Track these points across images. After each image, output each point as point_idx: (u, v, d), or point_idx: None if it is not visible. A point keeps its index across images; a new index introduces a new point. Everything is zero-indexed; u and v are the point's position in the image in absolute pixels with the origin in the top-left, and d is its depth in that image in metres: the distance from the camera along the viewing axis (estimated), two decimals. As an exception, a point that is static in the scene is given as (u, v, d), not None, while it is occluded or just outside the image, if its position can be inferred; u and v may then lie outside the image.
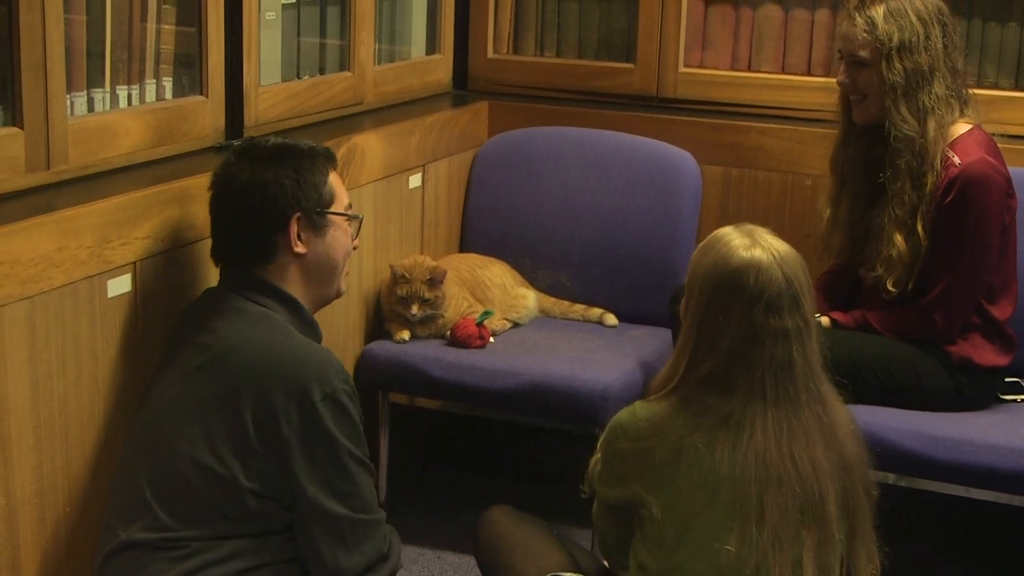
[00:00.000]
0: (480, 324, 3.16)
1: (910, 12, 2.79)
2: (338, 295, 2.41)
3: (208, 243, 2.37)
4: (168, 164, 2.62)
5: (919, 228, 2.80)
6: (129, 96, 2.59)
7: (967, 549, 3.36)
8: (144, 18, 2.62)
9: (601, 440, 2.13)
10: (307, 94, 3.14)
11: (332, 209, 2.33)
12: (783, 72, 3.65)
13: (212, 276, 2.39)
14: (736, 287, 1.98)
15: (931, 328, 2.84)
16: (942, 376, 2.84)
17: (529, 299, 3.41)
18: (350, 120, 3.29)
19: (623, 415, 2.09)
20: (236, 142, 2.76)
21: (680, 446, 1.99)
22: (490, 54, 3.89)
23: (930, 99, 2.79)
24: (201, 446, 2.14)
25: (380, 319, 3.24)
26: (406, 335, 3.16)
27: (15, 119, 2.27)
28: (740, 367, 1.99)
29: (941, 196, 2.79)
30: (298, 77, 3.17)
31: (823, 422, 2.02)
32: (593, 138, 3.57)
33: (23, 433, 2.14)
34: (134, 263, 2.34)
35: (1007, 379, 2.96)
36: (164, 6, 2.67)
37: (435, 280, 3.12)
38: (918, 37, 2.79)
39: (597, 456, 2.16)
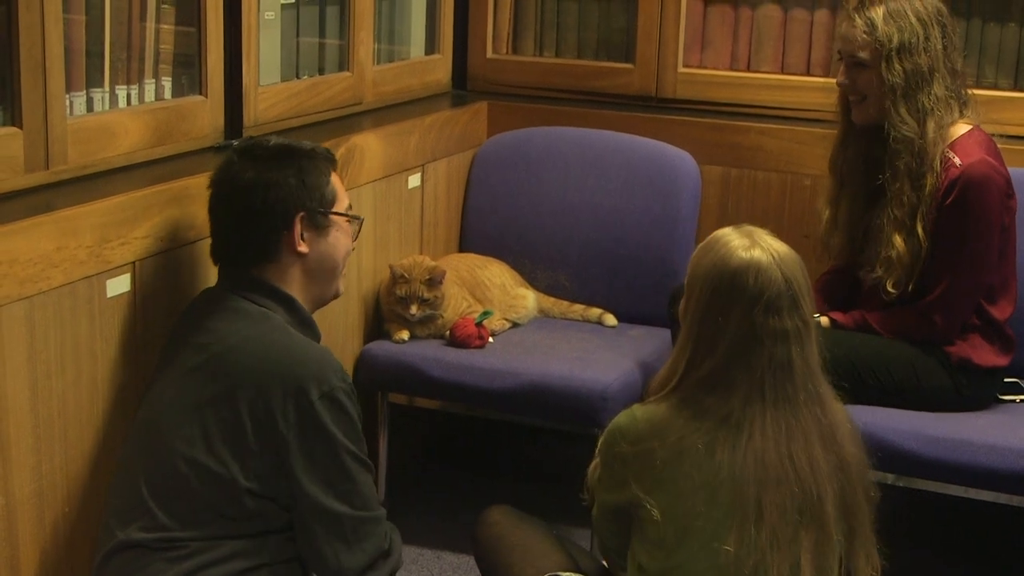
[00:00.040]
0: (479, 324, 3.16)
1: (910, 13, 2.79)
2: (336, 296, 2.41)
3: (207, 243, 2.37)
4: (167, 164, 2.62)
5: (919, 229, 2.80)
6: (128, 96, 2.59)
7: (967, 549, 3.36)
8: (143, 18, 2.62)
9: (600, 445, 2.13)
10: (306, 94, 3.14)
11: (334, 210, 2.34)
12: (782, 72, 3.65)
13: (211, 276, 2.39)
14: (736, 288, 1.98)
15: (931, 329, 2.84)
16: (941, 376, 2.84)
17: (528, 299, 3.41)
18: (349, 120, 3.29)
19: (622, 419, 2.09)
20: (235, 142, 2.76)
21: (680, 447, 1.99)
22: (489, 54, 3.89)
23: (930, 100, 2.79)
24: (199, 446, 2.14)
25: (379, 319, 3.24)
26: (405, 335, 3.16)
27: (14, 119, 2.27)
28: (739, 367, 1.99)
29: (942, 197, 2.79)
30: (297, 77, 3.17)
31: (821, 423, 2.02)
32: (592, 138, 3.57)
33: (22, 433, 2.14)
34: (133, 263, 2.34)
35: (1006, 379, 2.96)
36: (163, 6, 2.67)
37: (434, 280, 3.12)
38: (918, 38, 2.79)
39: (596, 461, 2.15)
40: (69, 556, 2.28)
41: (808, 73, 3.63)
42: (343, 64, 3.33)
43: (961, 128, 2.84)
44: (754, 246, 2.00)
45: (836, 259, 3.06)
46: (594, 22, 3.83)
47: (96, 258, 2.25)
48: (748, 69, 3.69)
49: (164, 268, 2.41)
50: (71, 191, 2.34)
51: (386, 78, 3.51)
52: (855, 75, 2.86)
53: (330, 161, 2.37)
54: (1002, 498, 3.36)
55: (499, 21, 3.90)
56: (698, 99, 3.67)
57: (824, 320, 2.91)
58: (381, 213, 3.22)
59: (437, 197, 3.50)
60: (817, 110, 3.33)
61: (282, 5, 3.08)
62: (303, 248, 2.28)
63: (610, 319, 3.39)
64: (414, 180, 3.36)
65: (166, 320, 2.39)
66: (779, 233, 2.07)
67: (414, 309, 3.11)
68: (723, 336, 1.99)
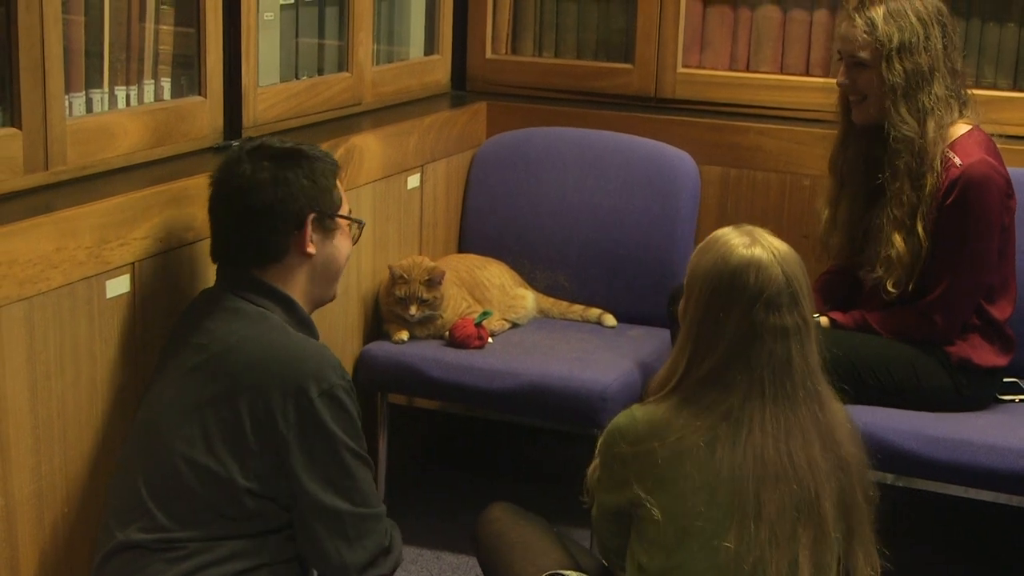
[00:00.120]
0: (479, 324, 3.16)
1: (910, 13, 2.79)
2: (332, 299, 2.42)
3: (207, 244, 2.36)
4: (166, 165, 2.62)
5: (919, 228, 2.80)
6: (127, 97, 2.59)
7: (967, 549, 3.36)
8: (142, 19, 2.62)
9: (599, 445, 2.13)
10: (305, 95, 3.14)
11: (340, 213, 2.36)
12: (781, 73, 3.65)
13: (211, 276, 2.39)
14: (736, 285, 1.98)
15: (931, 329, 2.84)
16: (941, 376, 2.84)
17: (528, 299, 3.41)
18: (348, 121, 3.29)
19: (621, 419, 2.09)
20: (235, 142, 2.76)
21: (680, 447, 1.99)
22: (488, 54, 3.89)
23: (930, 100, 2.79)
24: (198, 446, 2.14)
25: (379, 320, 3.24)
26: (405, 336, 3.16)
27: (13, 120, 2.26)
28: (739, 364, 1.99)
29: (942, 197, 2.79)
30: (296, 78, 3.17)
31: (820, 421, 2.03)
32: (591, 138, 3.57)
33: (21, 434, 2.14)
34: (132, 264, 2.34)
35: (1006, 379, 2.96)
36: (162, 7, 2.67)
37: (433, 281, 3.12)
38: (918, 38, 2.79)
39: (596, 462, 2.15)
40: (68, 557, 2.28)
41: (807, 73, 3.63)
42: (342, 65, 3.33)
43: (961, 128, 2.84)
44: (754, 244, 2.01)
45: (835, 259, 3.06)
46: (593, 22, 3.83)
47: (95, 259, 2.25)
48: (747, 69, 3.69)
49: (163, 269, 2.41)
50: (70, 192, 2.34)
51: (385, 79, 3.51)
52: (855, 75, 2.86)
53: (335, 166, 2.39)
54: (1002, 498, 3.36)
55: (498, 21, 3.90)
56: (697, 99, 3.67)
57: (824, 320, 2.91)
58: (380, 213, 3.22)
59: (436, 197, 3.50)
60: (816, 110, 3.33)
61: (281, 6, 3.08)
62: (311, 249, 2.29)
63: (609, 319, 3.39)
64: (413, 181, 3.36)
65: (165, 321, 2.39)
66: (778, 233, 2.07)
67: (413, 310, 3.11)
68: (723, 334, 1.99)
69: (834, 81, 2.97)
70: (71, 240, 2.19)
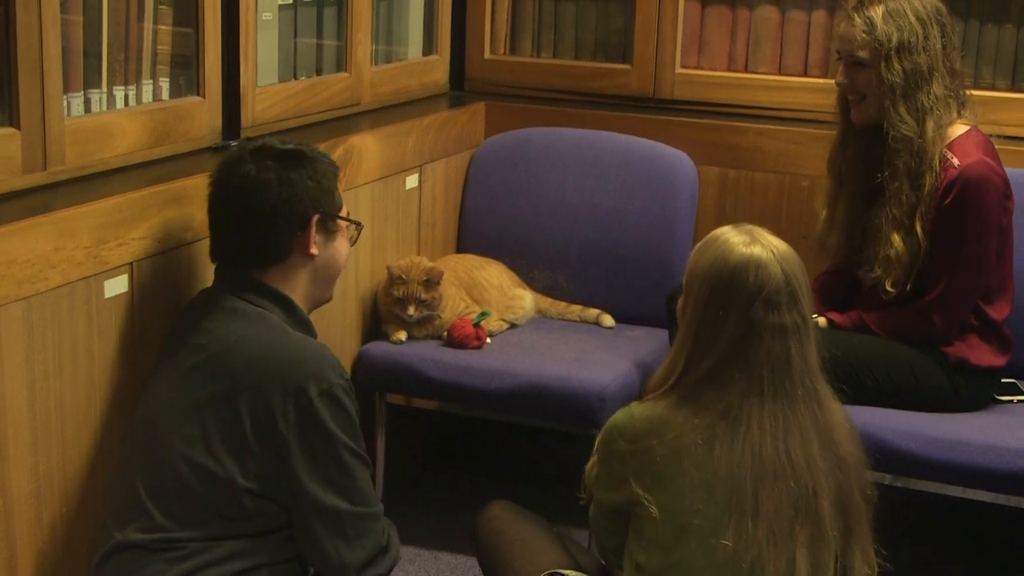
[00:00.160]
0: (477, 325, 3.16)
1: (909, 13, 2.79)
2: (329, 299, 2.43)
3: (205, 244, 2.36)
4: (165, 165, 2.62)
5: (917, 228, 2.80)
6: (126, 97, 2.59)
7: (965, 550, 3.36)
8: (141, 19, 2.62)
9: (597, 443, 2.13)
10: (304, 95, 3.14)
11: (341, 215, 2.36)
12: (780, 73, 3.66)
13: (209, 277, 2.39)
14: (736, 283, 1.99)
15: (929, 329, 2.84)
16: (939, 377, 2.84)
17: (526, 300, 3.41)
18: (347, 121, 3.29)
19: (619, 417, 2.09)
20: (233, 142, 2.76)
21: (679, 445, 1.99)
22: (487, 55, 3.89)
23: (929, 99, 2.80)
24: (198, 446, 2.14)
25: (377, 320, 3.24)
26: (403, 336, 3.16)
27: (12, 120, 2.26)
28: (738, 363, 1.99)
29: (940, 197, 2.79)
30: (295, 78, 3.17)
31: (818, 419, 2.03)
32: (590, 139, 3.57)
33: (19, 433, 2.14)
34: (131, 264, 2.34)
35: (1004, 380, 2.96)
36: (161, 7, 2.67)
37: (432, 281, 3.12)
38: (917, 37, 2.79)
39: (593, 460, 2.16)
40: (67, 556, 2.28)
41: (805, 74, 3.63)
42: (341, 65, 3.33)
43: (959, 129, 2.84)
44: (754, 243, 2.01)
45: (833, 259, 3.06)
46: (592, 23, 3.83)
47: (94, 259, 2.25)
48: (746, 70, 3.70)
49: (162, 269, 2.41)
50: (69, 192, 2.34)
51: (384, 79, 3.51)
52: (854, 74, 2.86)
53: (335, 166, 2.39)
54: (1000, 498, 3.36)
55: (497, 22, 3.90)
56: (696, 100, 3.68)
57: (822, 321, 2.91)
58: (379, 214, 3.22)
59: (435, 198, 3.50)
60: (815, 111, 3.33)
61: (280, 6, 3.08)
62: (314, 250, 2.29)
63: (608, 320, 3.39)
64: (412, 181, 3.36)
65: (164, 321, 2.39)
66: (777, 234, 2.07)
67: (412, 310, 3.11)
68: (722, 332, 1.99)
69: (832, 81, 2.97)
70: (69, 240, 2.19)
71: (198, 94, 2.76)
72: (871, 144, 2.89)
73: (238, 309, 2.24)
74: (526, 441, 3.85)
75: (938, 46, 2.80)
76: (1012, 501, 3.38)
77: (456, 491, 3.52)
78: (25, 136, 2.28)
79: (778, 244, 2.03)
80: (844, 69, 2.89)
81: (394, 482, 3.32)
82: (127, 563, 2.14)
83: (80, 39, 2.45)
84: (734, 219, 2.14)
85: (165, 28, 2.70)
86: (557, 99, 3.77)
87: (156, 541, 2.13)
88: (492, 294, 3.33)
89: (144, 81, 2.63)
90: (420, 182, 3.40)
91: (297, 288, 2.31)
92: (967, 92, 2.91)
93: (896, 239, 2.81)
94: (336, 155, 2.84)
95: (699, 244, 2.09)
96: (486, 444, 3.87)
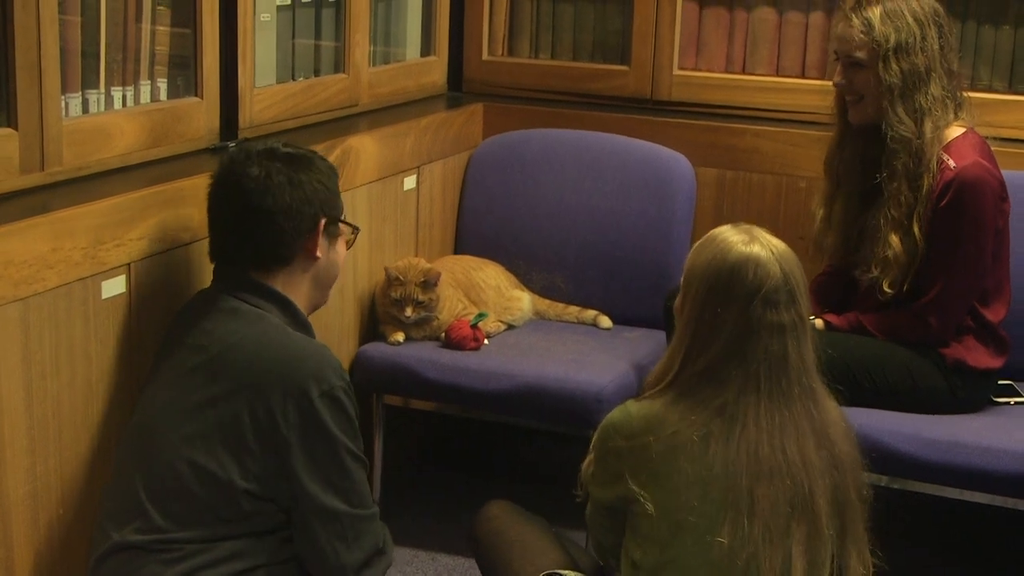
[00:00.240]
0: (474, 326, 3.16)
1: (907, 13, 2.80)
2: (325, 303, 2.43)
3: (203, 245, 2.36)
4: (163, 165, 2.62)
5: (915, 229, 2.80)
6: (124, 97, 2.59)
7: (962, 551, 3.36)
8: (139, 19, 2.62)
9: (594, 441, 2.14)
10: (302, 96, 3.14)
11: (343, 219, 2.37)
12: (777, 75, 3.66)
13: (206, 277, 2.39)
14: (734, 281, 1.99)
15: (925, 331, 2.84)
16: (936, 378, 2.85)
17: (524, 301, 3.41)
18: (345, 122, 3.29)
19: (616, 414, 2.09)
20: (232, 143, 2.76)
21: (675, 441, 1.99)
22: (485, 56, 3.89)
23: (927, 100, 2.80)
24: (198, 447, 2.14)
25: (374, 321, 3.24)
26: (400, 337, 3.16)
27: (9, 120, 2.26)
28: (735, 360, 2.00)
29: (936, 199, 2.79)
30: (293, 79, 3.17)
31: (814, 418, 2.03)
32: (588, 140, 3.57)
33: (16, 435, 2.14)
34: (128, 264, 2.34)
35: (1000, 382, 2.97)
36: (159, 7, 2.67)
37: (429, 282, 3.12)
38: (915, 38, 2.79)
39: (590, 458, 2.16)
40: (64, 558, 2.28)
41: (803, 75, 3.64)
42: (339, 66, 3.33)
43: (955, 131, 2.84)
44: (753, 241, 2.02)
45: (830, 259, 3.06)
46: (589, 24, 3.83)
47: (91, 259, 2.25)
48: (743, 71, 3.70)
49: (159, 270, 2.41)
50: (66, 192, 2.34)
51: (382, 80, 3.51)
52: (852, 75, 2.86)
53: (336, 171, 2.40)
54: (997, 500, 3.36)
55: (495, 23, 3.90)
56: (693, 101, 3.68)
57: (819, 322, 2.91)
58: (377, 215, 3.22)
59: (433, 199, 3.50)
60: (812, 112, 3.33)
61: (278, 7, 3.08)
62: (319, 253, 2.30)
63: (605, 321, 3.40)
64: (410, 182, 3.36)
65: (161, 322, 2.38)
66: (774, 235, 2.07)
67: (409, 311, 3.11)
68: (720, 330, 2.00)
69: (830, 83, 2.97)
70: (67, 241, 2.19)
71: (196, 95, 2.76)
72: (868, 145, 2.90)
73: (237, 309, 2.24)
74: (523, 442, 3.85)
75: (936, 47, 2.81)
76: (1009, 503, 3.39)
77: (453, 492, 3.52)
78: (23, 136, 2.28)
79: (776, 243, 2.04)
80: (842, 70, 2.89)
81: (391, 483, 3.32)
82: (124, 564, 2.14)
83: (78, 39, 2.45)
84: (731, 220, 2.14)
85: (163, 29, 2.70)
86: (555, 100, 3.78)
87: (154, 542, 2.12)
88: (490, 295, 3.33)
89: (142, 82, 2.63)
90: (418, 183, 3.40)
91: (299, 290, 2.31)
92: (964, 93, 2.91)
93: (894, 240, 2.81)
94: (334, 156, 2.84)
95: (698, 243, 2.09)
96: (483, 445, 3.87)
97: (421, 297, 3.11)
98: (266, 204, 2.24)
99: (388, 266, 3.15)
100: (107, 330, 2.31)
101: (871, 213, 2.88)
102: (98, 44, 2.51)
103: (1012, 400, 2.94)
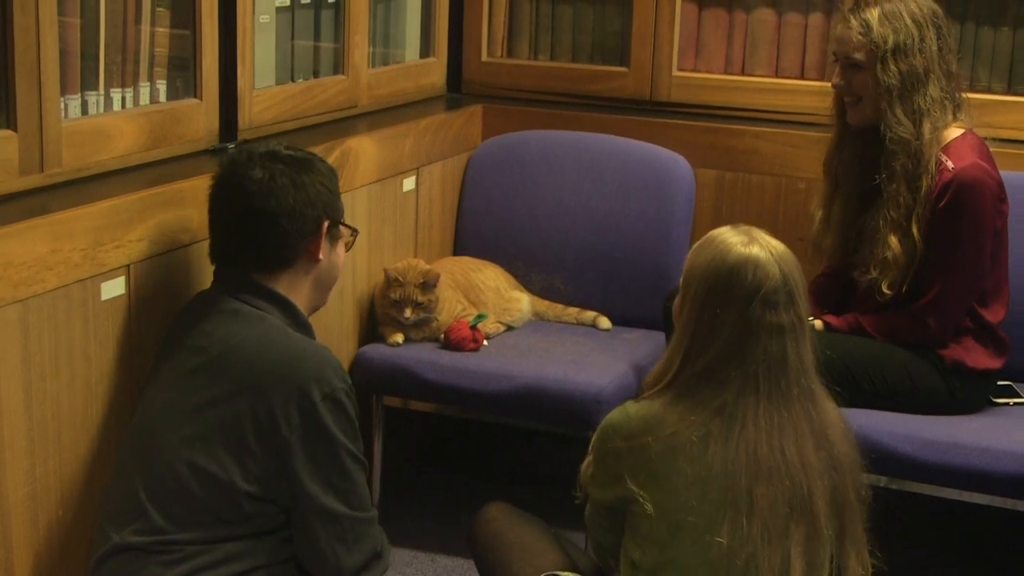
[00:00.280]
0: (474, 327, 3.16)
1: (905, 15, 2.80)
2: (323, 305, 2.43)
3: (202, 246, 2.36)
4: (162, 167, 2.62)
5: (914, 230, 2.80)
6: (123, 99, 2.59)
7: (961, 552, 3.36)
8: (138, 21, 2.62)
9: (593, 441, 2.14)
10: (301, 97, 3.14)
11: (343, 221, 2.38)
12: (776, 76, 3.66)
13: (206, 279, 2.39)
14: (734, 282, 1.99)
15: (924, 332, 2.85)
16: (935, 379, 2.85)
17: (523, 302, 3.41)
18: (344, 123, 3.29)
19: (615, 415, 2.10)
20: (231, 145, 2.76)
21: (674, 441, 2.00)
22: (484, 57, 3.89)
23: (925, 101, 2.80)
24: (198, 449, 2.14)
25: (374, 322, 3.24)
26: (400, 338, 3.16)
27: (9, 121, 2.26)
28: (734, 361, 2.00)
29: (935, 200, 2.79)
30: (292, 80, 3.17)
31: (813, 419, 2.03)
32: (587, 142, 3.57)
33: (16, 436, 2.14)
34: (128, 266, 2.34)
35: (999, 382, 2.97)
36: (158, 9, 2.67)
37: (428, 284, 3.12)
38: (913, 39, 2.79)
39: (589, 459, 2.16)
40: (63, 559, 2.28)
41: (802, 77, 3.64)
42: (338, 67, 3.33)
43: (954, 132, 2.84)
44: (752, 243, 2.02)
45: (829, 260, 3.06)
46: (589, 26, 3.83)
47: (90, 261, 2.25)
48: (742, 73, 3.70)
49: (159, 271, 2.41)
50: (66, 194, 2.34)
51: (381, 81, 3.51)
52: (850, 76, 2.87)
53: (336, 174, 2.40)
54: (996, 501, 3.36)
55: (494, 24, 3.90)
56: (692, 103, 3.68)
57: (818, 323, 2.92)
58: (376, 216, 3.22)
59: (432, 200, 3.50)
60: (811, 114, 3.33)
61: (277, 8, 3.08)
62: (322, 255, 2.30)
63: (604, 322, 3.40)
64: (409, 183, 3.36)
65: (161, 323, 2.38)
66: (773, 236, 2.08)
67: (408, 312, 3.11)
68: (719, 331, 2.00)
69: (829, 84, 2.97)
70: (66, 242, 2.19)
71: (195, 96, 2.76)
72: (867, 146, 2.90)
73: (238, 311, 2.24)
74: (522, 443, 3.85)
75: (934, 48, 2.81)
76: (1008, 504, 3.39)
77: (453, 493, 3.52)
78: (22, 138, 2.28)
79: (776, 244, 2.04)
80: (840, 71, 2.89)
81: (391, 484, 3.32)
82: (124, 565, 2.14)
83: (77, 41, 2.45)
84: (731, 221, 2.14)
85: (162, 30, 2.70)
86: (554, 102, 3.78)
87: (154, 543, 2.12)
88: (489, 296, 3.33)
89: (141, 83, 2.63)
90: (417, 184, 3.41)
91: (301, 292, 2.32)
92: (963, 94, 2.91)
93: (893, 241, 2.81)
94: (333, 157, 2.84)
95: (697, 244, 2.09)
96: (483, 446, 3.87)
97: (420, 298, 3.11)
98: (270, 206, 2.24)
99: (387, 267, 3.15)
100: (106, 331, 2.31)
101: (870, 214, 2.88)
102: (97, 46, 2.51)
103: (1011, 401, 2.95)
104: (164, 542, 2.12)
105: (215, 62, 2.79)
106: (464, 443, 3.89)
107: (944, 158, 2.80)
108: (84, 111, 2.48)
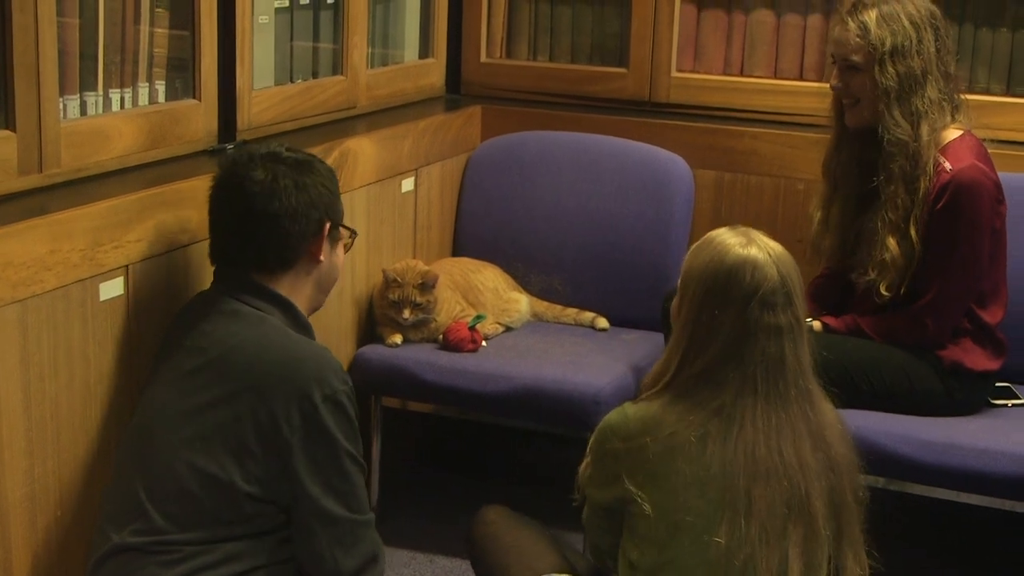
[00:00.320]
0: (472, 328, 3.16)
1: (903, 16, 2.80)
2: (322, 306, 2.43)
3: (201, 246, 2.36)
4: (161, 167, 2.62)
5: (912, 232, 2.80)
6: (122, 99, 2.59)
7: (959, 553, 3.36)
8: (137, 21, 2.62)
9: (591, 443, 2.14)
10: (300, 98, 3.15)
11: (343, 223, 2.38)
12: (775, 77, 3.66)
13: (205, 279, 2.39)
14: (732, 283, 2.00)
15: (922, 333, 2.85)
16: (933, 380, 2.85)
17: (521, 303, 3.41)
18: (343, 124, 3.29)
19: (613, 416, 2.10)
20: (230, 145, 2.77)
21: (673, 442, 2.00)
22: (483, 58, 3.89)
23: (923, 103, 2.80)
24: (198, 449, 2.14)
25: (372, 323, 3.24)
26: (398, 339, 3.16)
27: (8, 122, 2.26)
28: (732, 362, 2.00)
29: (933, 202, 2.80)
30: (291, 81, 3.17)
31: (811, 420, 2.04)
32: (586, 142, 3.57)
33: (14, 436, 2.14)
34: (126, 266, 2.34)
35: (998, 384, 2.97)
36: (157, 9, 2.67)
37: (427, 284, 3.12)
38: (911, 41, 2.79)
39: (587, 460, 2.16)
40: (62, 560, 2.28)
41: (801, 78, 3.64)
42: (337, 68, 3.33)
43: (952, 133, 2.84)
44: (750, 244, 2.02)
45: (827, 262, 3.07)
46: (588, 26, 3.83)
47: (89, 261, 2.25)
48: (741, 74, 3.70)
49: (157, 272, 2.41)
50: (64, 194, 2.34)
51: (380, 82, 3.51)
52: (848, 78, 2.87)
53: (336, 176, 2.41)
54: (994, 502, 3.36)
55: (493, 25, 3.90)
56: (691, 103, 3.68)
57: (816, 325, 2.92)
58: (374, 217, 3.22)
59: (431, 201, 3.50)
60: (810, 115, 3.33)
61: (276, 9, 3.08)
62: (322, 257, 2.30)
63: (603, 323, 3.40)
64: (407, 184, 3.37)
65: (159, 324, 2.38)
66: (772, 237, 2.08)
67: (407, 313, 3.12)
68: (717, 332, 2.00)
69: (828, 85, 2.97)
70: (65, 242, 2.19)
71: (194, 97, 2.76)
72: (865, 148, 2.90)
73: (238, 311, 2.24)
74: (521, 444, 3.85)
75: (932, 50, 2.81)
76: (1006, 505, 3.38)
77: (451, 494, 3.52)
78: (21, 138, 2.28)
79: (774, 246, 2.04)
80: (838, 73, 2.89)
81: (389, 485, 3.32)
82: (123, 566, 2.14)
83: (76, 41, 2.45)
84: (729, 222, 2.14)
85: (161, 31, 2.70)
86: (553, 103, 3.78)
87: (153, 544, 2.12)
88: (488, 297, 3.33)
89: (140, 84, 2.63)
90: (416, 185, 3.41)
91: (302, 293, 2.32)
92: (961, 96, 2.92)
93: (891, 242, 2.81)
94: (332, 158, 2.85)
95: (695, 245, 2.10)
96: (481, 447, 3.87)
97: (419, 299, 3.11)
98: (272, 208, 2.25)
99: (386, 268, 3.16)
100: (105, 332, 2.31)
101: (868, 216, 2.88)
102: (96, 46, 2.51)
103: (1010, 402, 2.95)
104: (164, 542, 2.12)
105: (214, 63, 2.79)
106: (462, 444, 3.89)
107: (942, 159, 2.80)
108: (83, 111, 2.48)
